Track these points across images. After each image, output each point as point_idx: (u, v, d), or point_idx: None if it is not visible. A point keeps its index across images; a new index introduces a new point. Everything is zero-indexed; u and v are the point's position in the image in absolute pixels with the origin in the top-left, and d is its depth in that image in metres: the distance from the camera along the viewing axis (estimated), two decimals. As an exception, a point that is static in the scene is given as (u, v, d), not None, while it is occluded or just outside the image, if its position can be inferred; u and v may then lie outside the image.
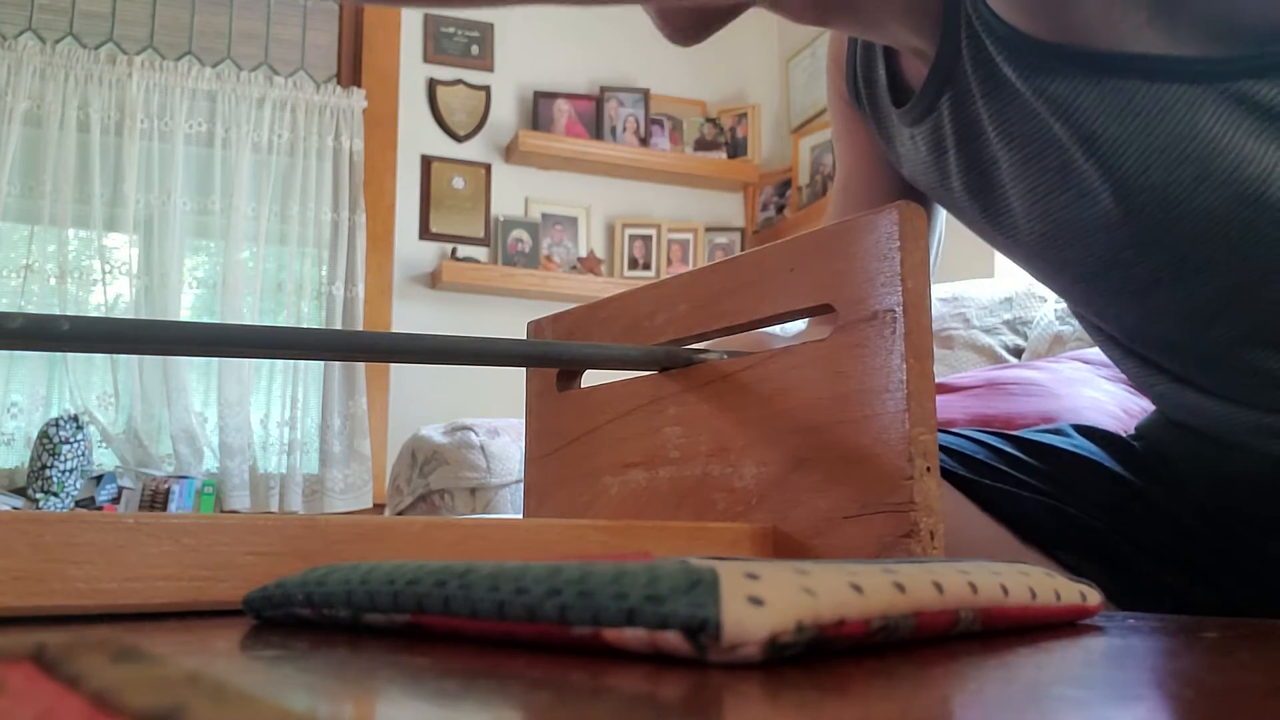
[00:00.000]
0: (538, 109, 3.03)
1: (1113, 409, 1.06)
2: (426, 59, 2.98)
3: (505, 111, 3.04)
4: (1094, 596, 0.30)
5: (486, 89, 3.02)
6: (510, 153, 3.00)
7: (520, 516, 0.45)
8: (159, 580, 0.29)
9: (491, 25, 3.05)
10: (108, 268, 2.62)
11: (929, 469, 0.35)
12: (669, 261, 3.08)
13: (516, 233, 2.97)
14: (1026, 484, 0.62)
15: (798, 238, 0.39)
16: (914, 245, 0.35)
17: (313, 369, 2.71)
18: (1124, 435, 0.71)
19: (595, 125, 3.07)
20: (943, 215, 0.78)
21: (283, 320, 2.73)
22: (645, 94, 3.12)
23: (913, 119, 0.62)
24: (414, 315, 2.83)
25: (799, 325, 0.88)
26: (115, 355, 2.45)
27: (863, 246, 0.36)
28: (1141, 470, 0.66)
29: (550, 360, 0.41)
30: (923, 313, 0.35)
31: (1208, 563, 0.62)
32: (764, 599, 0.19)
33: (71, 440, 2.39)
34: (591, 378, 0.51)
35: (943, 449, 0.60)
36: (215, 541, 0.30)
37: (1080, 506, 0.62)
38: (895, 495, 0.35)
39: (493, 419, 2.24)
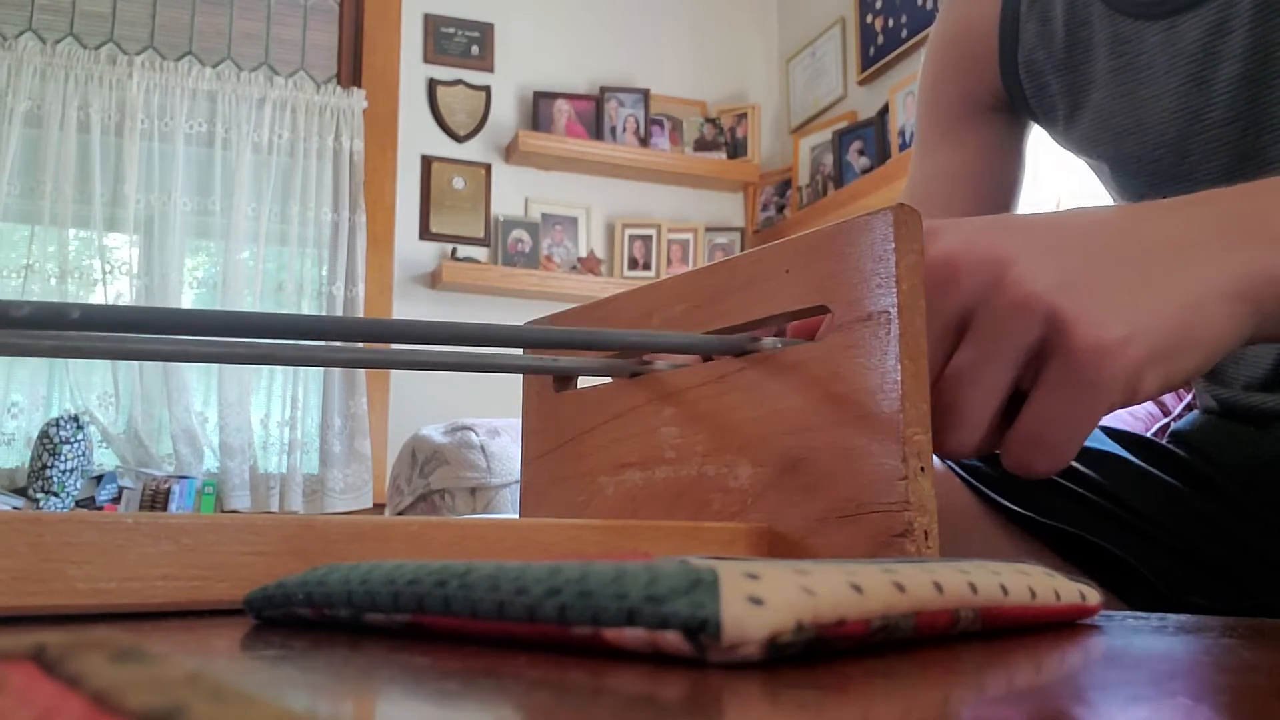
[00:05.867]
0: (538, 109, 3.03)
1: (1138, 411, 1.05)
2: (426, 59, 2.98)
3: (505, 112, 3.04)
4: (1094, 596, 0.30)
5: (486, 89, 3.02)
6: (510, 153, 3.00)
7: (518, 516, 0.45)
8: (158, 580, 0.29)
9: (492, 25, 3.05)
10: (108, 268, 2.62)
11: (923, 469, 0.35)
12: (669, 262, 3.08)
13: (516, 233, 2.97)
14: (1059, 485, 0.61)
15: (794, 239, 0.39)
16: (909, 247, 0.36)
17: (313, 368, 2.71)
18: (1151, 437, 0.70)
19: (595, 125, 3.07)
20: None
21: (283, 320, 2.73)
22: (645, 94, 3.12)
23: (1190, 1, 0.61)
24: (414, 315, 2.83)
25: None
26: (115, 355, 2.45)
27: (858, 248, 0.36)
28: (1171, 467, 0.65)
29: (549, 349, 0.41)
30: (916, 314, 0.35)
31: (1242, 562, 0.61)
32: (764, 599, 0.19)
33: (72, 440, 2.39)
34: (589, 378, 0.51)
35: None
36: (214, 541, 0.30)
37: (1113, 503, 0.60)
38: (889, 495, 0.35)
39: (493, 419, 2.24)
